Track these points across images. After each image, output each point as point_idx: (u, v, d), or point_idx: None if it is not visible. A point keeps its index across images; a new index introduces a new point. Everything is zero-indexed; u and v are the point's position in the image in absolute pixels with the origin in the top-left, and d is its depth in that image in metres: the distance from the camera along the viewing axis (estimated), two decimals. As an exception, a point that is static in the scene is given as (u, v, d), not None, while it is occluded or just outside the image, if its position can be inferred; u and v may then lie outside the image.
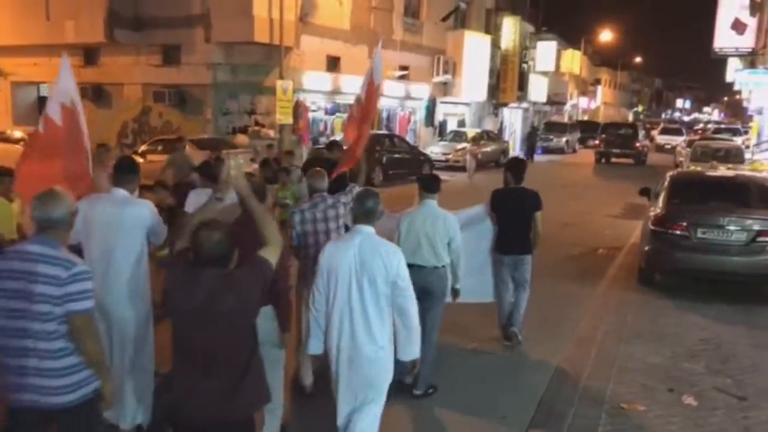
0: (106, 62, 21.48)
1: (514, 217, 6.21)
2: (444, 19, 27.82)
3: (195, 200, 5.57)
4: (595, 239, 12.02)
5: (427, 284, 4.94)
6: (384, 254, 3.59)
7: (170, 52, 20.20)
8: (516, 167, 6.46)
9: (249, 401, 3.02)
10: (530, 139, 31.40)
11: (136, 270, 4.28)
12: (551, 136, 35.02)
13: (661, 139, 38.43)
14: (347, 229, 4.90)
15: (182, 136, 13.61)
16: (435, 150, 24.08)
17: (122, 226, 4.20)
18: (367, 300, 3.57)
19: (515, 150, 33.37)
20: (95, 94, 21.69)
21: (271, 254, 3.07)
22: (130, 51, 20.61)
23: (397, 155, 19.67)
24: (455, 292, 5.45)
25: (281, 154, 12.63)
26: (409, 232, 5.07)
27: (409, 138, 24.82)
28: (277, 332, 4.05)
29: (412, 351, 3.72)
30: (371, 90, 6.79)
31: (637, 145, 29.39)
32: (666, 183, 9.12)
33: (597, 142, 30.64)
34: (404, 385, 4.90)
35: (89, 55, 21.80)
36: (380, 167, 18.52)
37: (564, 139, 35.48)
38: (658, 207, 8.67)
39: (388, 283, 3.58)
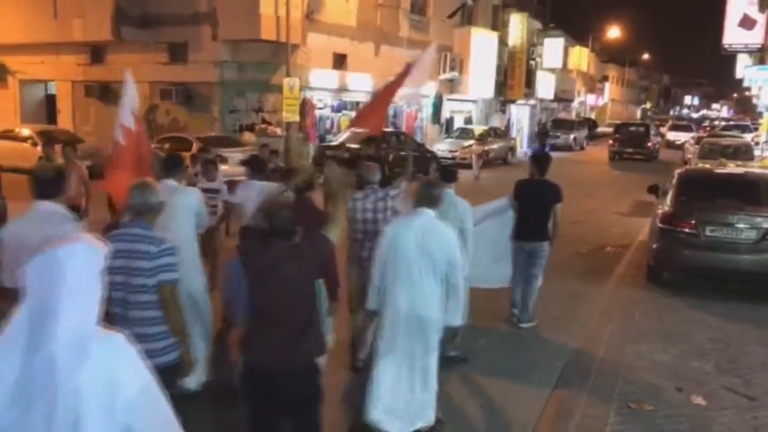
0: (113, 60, 21.51)
1: (535, 207, 6.64)
2: (450, 16, 27.75)
3: (244, 192, 6.18)
4: (603, 237, 11.97)
5: None
6: (444, 237, 4.19)
7: (177, 50, 20.20)
8: (541, 161, 6.92)
9: (310, 351, 3.48)
10: (541, 136, 31.65)
11: (189, 251, 4.73)
12: (559, 134, 34.89)
13: (671, 135, 38.64)
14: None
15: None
16: (441, 147, 24.00)
17: (175, 211, 4.63)
18: (425, 272, 4.14)
19: (522, 147, 33.29)
20: (102, 92, 21.75)
21: (332, 232, 3.55)
22: (137, 49, 20.61)
23: (403, 153, 19.61)
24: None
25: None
26: None
27: (415, 135, 24.78)
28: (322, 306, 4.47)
29: (458, 318, 4.31)
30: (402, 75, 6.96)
31: (649, 144, 29.74)
32: (674, 180, 9.05)
33: (611, 141, 30.89)
34: (446, 357, 5.25)
35: (96, 53, 21.88)
36: (387, 165, 18.48)
37: (572, 137, 35.30)
38: (666, 204, 8.62)
39: (444, 261, 4.14)
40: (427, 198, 4.29)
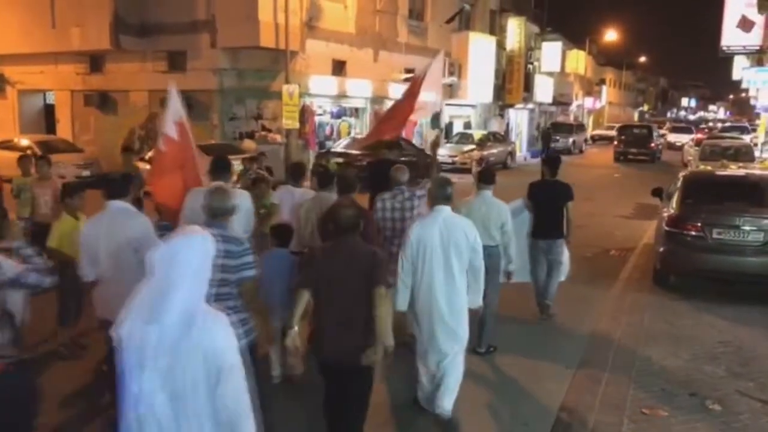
0: (111, 69, 21.47)
1: (549, 206, 7.02)
2: (448, 21, 27.73)
3: (281, 194, 6.61)
4: (606, 240, 11.93)
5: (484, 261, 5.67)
6: (465, 227, 4.65)
7: (176, 58, 20.12)
8: (552, 162, 7.34)
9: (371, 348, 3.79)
10: (545, 139, 32.59)
11: None
12: (557, 137, 34.98)
13: (672, 137, 39.87)
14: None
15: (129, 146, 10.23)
16: (441, 152, 23.87)
17: None
18: (453, 262, 4.57)
19: (522, 151, 33.28)
20: (101, 101, 21.69)
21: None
22: (136, 57, 20.57)
23: (404, 158, 19.56)
24: (508, 274, 6.18)
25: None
26: (467, 216, 5.47)
27: (415, 141, 24.71)
28: None
29: (477, 300, 4.81)
30: (415, 84, 7.23)
31: (652, 144, 31.16)
32: (679, 183, 9.01)
33: (615, 142, 32.49)
34: (477, 352, 5.97)
35: (95, 62, 21.81)
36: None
37: (570, 140, 35.37)
38: (671, 207, 8.58)
39: (468, 248, 4.59)
40: (443, 196, 4.73)
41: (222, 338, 2.52)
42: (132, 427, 2.52)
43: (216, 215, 3.92)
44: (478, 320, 5.67)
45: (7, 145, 18.30)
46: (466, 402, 5.12)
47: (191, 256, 2.51)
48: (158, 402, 2.47)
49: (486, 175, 6.38)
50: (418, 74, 7.55)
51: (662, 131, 41.04)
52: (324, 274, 3.78)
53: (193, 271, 2.49)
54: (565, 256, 7.21)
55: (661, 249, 8.43)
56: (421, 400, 4.93)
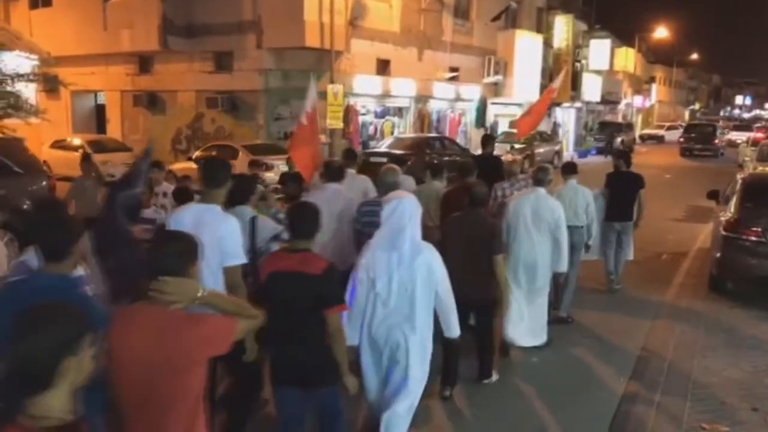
0: (159, 70, 21.86)
1: (623, 193, 8.09)
2: (494, 20, 27.34)
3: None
4: (658, 244, 11.53)
5: (570, 238, 6.44)
6: (553, 206, 6.02)
7: (222, 59, 20.37)
8: (624, 156, 8.63)
9: (494, 290, 5.16)
10: (610, 137, 33.33)
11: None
12: (604, 136, 34.29)
13: (732, 135, 40.66)
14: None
15: (88, 153, 9.29)
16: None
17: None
18: (542, 231, 5.94)
19: (569, 150, 32.66)
20: (150, 101, 22.10)
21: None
22: (183, 58, 20.89)
23: (447, 158, 19.37)
24: (587, 247, 7.34)
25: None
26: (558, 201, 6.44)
27: (459, 140, 24.47)
28: None
29: (563, 265, 6.15)
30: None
31: (716, 141, 34.11)
32: (738, 186, 8.64)
33: (681, 139, 35.70)
34: (559, 317, 7.00)
35: (144, 63, 22.25)
36: (430, 170, 18.23)
37: (619, 139, 34.55)
38: (729, 211, 8.23)
39: (552, 223, 5.94)
40: (539, 180, 6.17)
41: (437, 258, 3.92)
42: (373, 314, 3.86)
43: (390, 188, 5.01)
44: (560, 286, 6.93)
45: (61, 145, 18.79)
46: (516, 403, 4.97)
47: (409, 209, 3.86)
48: (393, 297, 3.82)
49: (568, 167, 7.60)
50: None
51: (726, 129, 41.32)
52: (456, 233, 5.11)
53: (412, 218, 3.85)
54: (631, 238, 8.25)
55: (718, 254, 8.09)
56: (510, 335, 5.94)
